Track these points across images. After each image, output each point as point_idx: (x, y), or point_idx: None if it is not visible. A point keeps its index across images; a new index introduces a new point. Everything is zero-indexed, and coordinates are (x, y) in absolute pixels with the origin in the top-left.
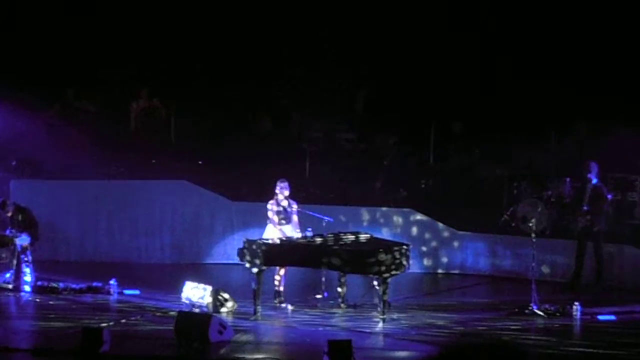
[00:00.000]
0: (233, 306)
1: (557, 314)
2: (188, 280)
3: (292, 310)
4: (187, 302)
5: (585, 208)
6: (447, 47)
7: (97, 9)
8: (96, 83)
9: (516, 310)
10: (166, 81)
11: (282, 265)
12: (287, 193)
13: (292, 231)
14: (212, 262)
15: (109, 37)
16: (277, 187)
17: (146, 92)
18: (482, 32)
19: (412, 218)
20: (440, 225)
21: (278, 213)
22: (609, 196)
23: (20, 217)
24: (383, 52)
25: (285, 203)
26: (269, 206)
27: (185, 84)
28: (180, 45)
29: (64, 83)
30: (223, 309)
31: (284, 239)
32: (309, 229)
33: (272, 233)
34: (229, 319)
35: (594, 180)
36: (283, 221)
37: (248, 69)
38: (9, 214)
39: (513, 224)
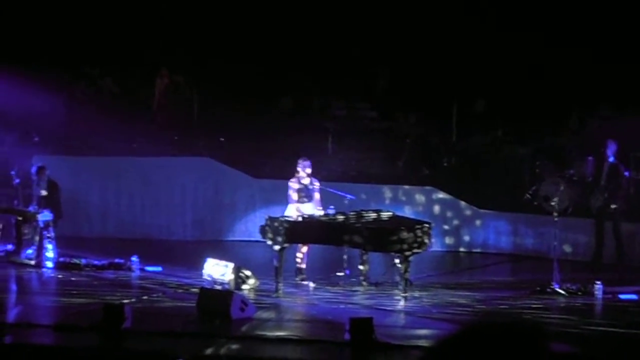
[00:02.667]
0: (255, 283)
1: (579, 293)
2: (210, 257)
3: (314, 288)
4: (208, 279)
5: (602, 185)
6: (470, 25)
7: None
8: (120, 62)
9: (538, 289)
10: (189, 59)
11: (304, 243)
12: (309, 171)
13: (314, 209)
14: (233, 239)
15: (132, 15)
16: (299, 165)
17: (169, 69)
18: (505, 10)
19: (434, 196)
20: (463, 203)
21: (299, 191)
22: (627, 173)
23: (48, 192)
24: (405, 30)
25: (307, 181)
26: (290, 184)
27: (208, 62)
28: (205, 23)
29: (87, 61)
30: (245, 286)
31: (306, 216)
32: (331, 207)
33: (293, 211)
34: (250, 296)
35: (611, 158)
36: (305, 199)
37: (271, 47)
38: (41, 186)
39: (535, 203)
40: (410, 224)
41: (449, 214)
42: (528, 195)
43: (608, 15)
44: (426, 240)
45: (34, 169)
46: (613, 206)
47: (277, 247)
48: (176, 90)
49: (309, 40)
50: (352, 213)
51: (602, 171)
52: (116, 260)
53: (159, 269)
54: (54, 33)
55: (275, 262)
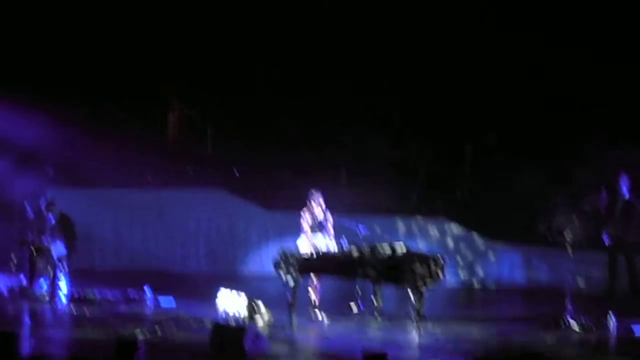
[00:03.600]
0: (268, 317)
1: (593, 327)
2: (223, 287)
3: (328, 322)
4: (222, 312)
5: (615, 219)
6: (486, 57)
7: (135, 23)
8: (136, 95)
9: (551, 322)
10: (205, 91)
11: (317, 276)
12: (322, 203)
13: (327, 241)
14: (247, 271)
15: (149, 48)
16: (312, 197)
17: (181, 102)
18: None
19: (447, 229)
20: (476, 236)
21: (312, 223)
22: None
23: (61, 225)
24: (421, 61)
25: (319, 213)
26: (302, 216)
27: (222, 94)
28: (218, 56)
29: (104, 94)
30: (258, 320)
31: (318, 249)
32: (344, 239)
33: (306, 242)
34: (264, 330)
35: (627, 195)
36: (317, 231)
37: (285, 79)
38: (52, 220)
39: (550, 237)
40: (424, 257)
41: (462, 247)
42: (542, 228)
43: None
44: (440, 274)
45: (42, 204)
46: (625, 239)
47: (290, 282)
48: (189, 123)
49: (325, 73)
50: (365, 246)
51: (615, 204)
52: (130, 293)
53: (173, 301)
54: (71, 66)
55: (288, 296)
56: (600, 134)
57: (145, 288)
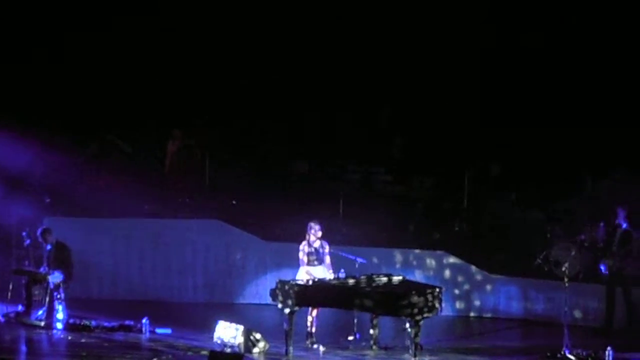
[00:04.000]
0: (265, 347)
1: (589, 359)
2: (220, 319)
3: (324, 352)
4: (219, 341)
5: (613, 250)
6: (484, 91)
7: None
8: (133, 123)
9: (548, 354)
10: (202, 121)
11: (314, 306)
12: (319, 234)
13: (324, 272)
14: (244, 302)
15: (145, 78)
16: (310, 228)
17: (181, 132)
18: (520, 75)
19: (445, 261)
20: (473, 268)
21: (309, 254)
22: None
23: (57, 253)
24: (421, 95)
25: (317, 244)
26: (300, 247)
27: (220, 125)
28: (217, 86)
29: (100, 124)
30: (255, 350)
31: (316, 280)
32: (342, 270)
33: (304, 274)
34: (260, 359)
35: (624, 225)
36: (315, 262)
37: (285, 111)
38: (48, 248)
39: (546, 268)
40: (421, 289)
41: (459, 278)
42: (539, 260)
43: (619, 78)
44: (437, 305)
45: (39, 232)
46: (624, 271)
47: (287, 311)
48: (188, 152)
49: (325, 105)
50: (362, 277)
51: (614, 236)
52: (126, 322)
53: (169, 331)
54: (68, 95)
55: (285, 326)
56: (596, 167)
57: (144, 320)
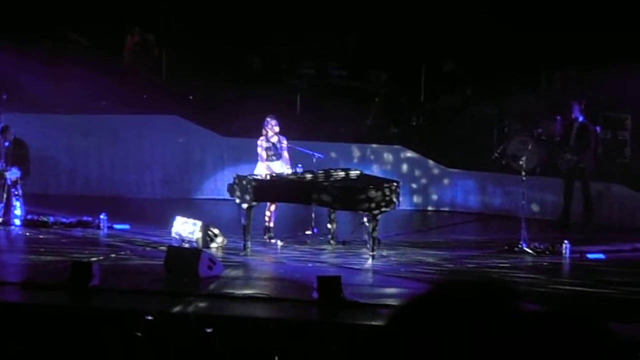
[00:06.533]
0: (223, 241)
1: (546, 252)
2: (178, 215)
3: (282, 246)
4: (176, 237)
5: (570, 144)
6: None
7: None
8: (89, 18)
9: (505, 247)
10: (159, 17)
11: (272, 201)
12: (277, 129)
13: (282, 167)
14: (202, 197)
15: None
16: (267, 123)
17: (139, 26)
18: None
19: (402, 155)
20: (431, 162)
21: (267, 149)
22: (598, 128)
23: (15, 150)
24: None
25: (275, 139)
26: (258, 142)
27: (177, 21)
28: None
29: (56, 18)
30: (213, 244)
31: (274, 174)
32: (299, 166)
33: (262, 169)
34: (218, 254)
35: (580, 118)
36: (273, 157)
37: (240, 7)
38: (6, 145)
39: (503, 162)
40: (379, 183)
41: (417, 172)
42: (496, 154)
43: None
44: (394, 199)
45: None
46: (582, 165)
47: (245, 206)
48: (146, 48)
49: (281, 3)
50: (320, 172)
51: (571, 130)
52: (84, 218)
53: (127, 226)
54: None
55: (243, 221)
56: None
57: (102, 216)
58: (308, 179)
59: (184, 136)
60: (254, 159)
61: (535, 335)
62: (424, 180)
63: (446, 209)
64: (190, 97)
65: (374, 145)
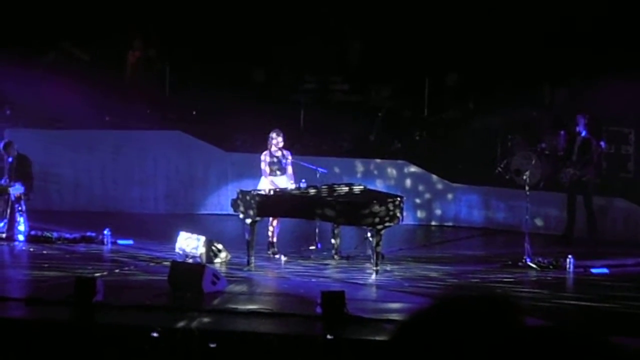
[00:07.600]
0: (226, 257)
1: (550, 267)
2: (182, 230)
3: (286, 261)
4: (180, 252)
5: (573, 159)
6: None
7: None
8: (91, 33)
9: (509, 262)
10: (162, 32)
11: (275, 216)
12: (281, 144)
13: (286, 182)
14: (205, 212)
15: None
16: (271, 138)
17: (142, 42)
18: None
19: (406, 170)
20: (434, 177)
21: (271, 164)
22: (602, 144)
23: (19, 166)
24: (378, 2)
25: (279, 154)
26: (262, 157)
27: (180, 35)
28: None
29: (59, 33)
30: (216, 260)
31: (277, 189)
32: (303, 180)
33: (266, 184)
34: (222, 270)
35: (583, 133)
36: (277, 172)
37: (244, 20)
38: (10, 160)
39: (507, 177)
40: (382, 198)
41: (420, 187)
42: (500, 169)
43: None
44: (398, 214)
45: (1, 145)
46: (585, 179)
47: (248, 221)
48: (148, 63)
49: (282, 13)
50: (324, 187)
51: (574, 145)
52: (88, 234)
53: (131, 242)
54: (26, 5)
55: (246, 236)
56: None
57: (105, 231)
58: (312, 194)
59: (191, 152)
60: (257, 174)
61: (539, 351)
62: (427, 195)
63: (450, 223)
64: (194, 112)
65: (378, 160)
